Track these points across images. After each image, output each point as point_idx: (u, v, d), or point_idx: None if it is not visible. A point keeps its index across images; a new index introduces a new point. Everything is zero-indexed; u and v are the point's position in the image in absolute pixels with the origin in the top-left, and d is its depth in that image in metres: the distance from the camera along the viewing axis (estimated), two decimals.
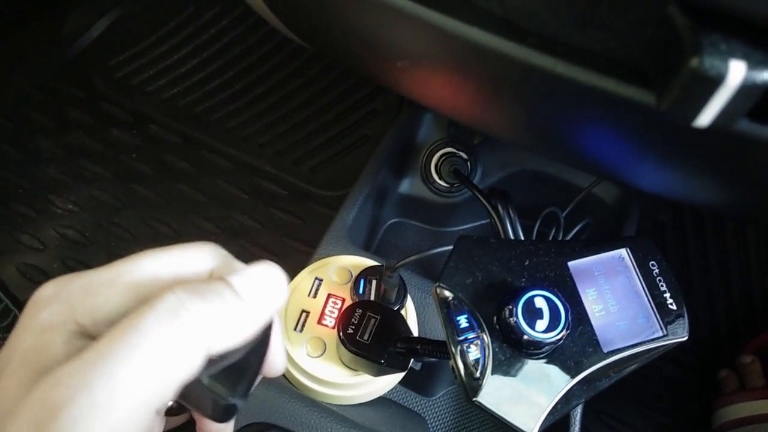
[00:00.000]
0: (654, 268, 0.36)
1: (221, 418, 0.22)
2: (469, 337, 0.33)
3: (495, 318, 0.33)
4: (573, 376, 0.32)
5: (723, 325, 0.78)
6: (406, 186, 0.67)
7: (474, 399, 0.31)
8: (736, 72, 0.19)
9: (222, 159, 0.86)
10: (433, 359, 0.39)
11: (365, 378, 0.44)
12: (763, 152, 0.24)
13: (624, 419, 0.72)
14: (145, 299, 0.20)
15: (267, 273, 0.23)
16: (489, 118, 0.38)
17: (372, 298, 0.45)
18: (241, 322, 0.22)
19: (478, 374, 0.32)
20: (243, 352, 0.23)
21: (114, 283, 0.21)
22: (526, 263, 0.36)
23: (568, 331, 0.32)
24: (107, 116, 0.89)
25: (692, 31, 0.19)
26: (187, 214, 0.82)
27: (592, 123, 0.30)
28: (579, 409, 0.47)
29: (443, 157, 0.65)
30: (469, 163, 0.65)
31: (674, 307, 0.35)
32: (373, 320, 0.41)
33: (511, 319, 0.32)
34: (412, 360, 0.42)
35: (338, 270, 0.48)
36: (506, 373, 0.32)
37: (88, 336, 0.20)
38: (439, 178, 0.66)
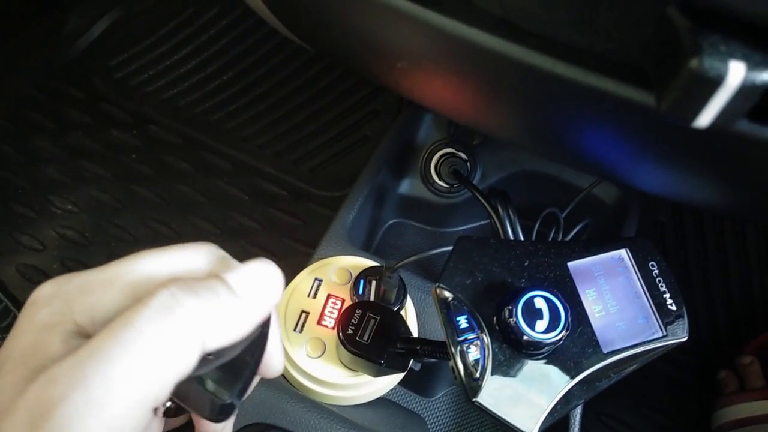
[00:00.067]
0: (654, 268, 0.36)
1: (218, 417, 0.22)
2: (469, 337, 0.33)
3: (495, 318, 0.33)
4: (573, 377, 0.32)
5: (723, 326, 0.78)
6: (405, 186, 0.67)
7: (474, 399, 0.31)
8: (736, 73, 0.19)
9: (222, 160, 0.86)
10: (433, 360, 0.39)
11: (365, 378, 0.44)
12: (763, 153, 0.24)
13: (624, 420, 0.72)
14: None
15: (262, 270, 0.23)
16: (489, 119, 0.38)
17: (372, 298, 0.45)
18: (236, 318, 0.22)
19: (477, 375, 0.32)
20: (239, 350, 0.23)
21: (112, 282, 0.21)
22: (526, 264, 0.36)
23: (568, 332, 0.32)
24: (107, 117, 0.89)
25: (692, 31, 0.19)
26: (186, 215, 0.82)
27: (592, 123, 0.30)
28: (579, 410, 0.47)
29: (443, 158, 0.65)
30: (468, 164, 0.65)
31: (674, 308, 0.35)
32: (372, 321, 0.41)
33: (510, 319, 0.32)
34: (411, 360, 0.42)
35: (338, 270, 0.48)
36: (506, 374, 0.32)
37: (86, 335, 0.20)
38: (439, 179, 0.66)
